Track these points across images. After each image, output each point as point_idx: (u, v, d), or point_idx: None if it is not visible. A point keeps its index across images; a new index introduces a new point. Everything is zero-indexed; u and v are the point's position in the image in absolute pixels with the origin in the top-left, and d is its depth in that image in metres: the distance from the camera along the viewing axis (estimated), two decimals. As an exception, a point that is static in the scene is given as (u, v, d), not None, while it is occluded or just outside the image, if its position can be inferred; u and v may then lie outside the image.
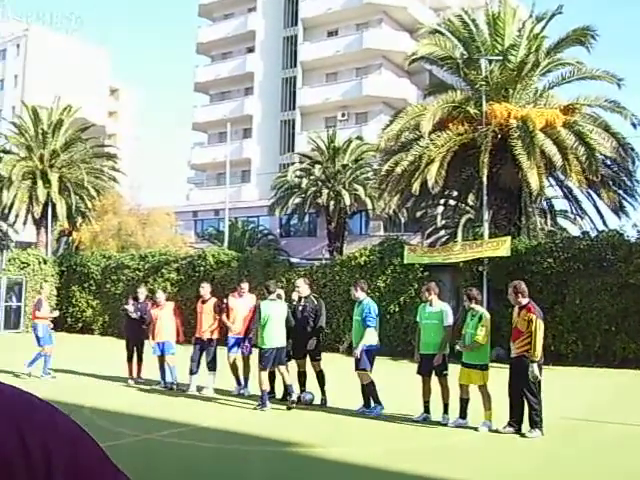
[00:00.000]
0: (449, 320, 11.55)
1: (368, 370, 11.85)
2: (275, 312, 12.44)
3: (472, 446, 9.75)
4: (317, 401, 12.64)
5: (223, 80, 60.47)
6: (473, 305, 11.22)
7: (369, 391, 11.85)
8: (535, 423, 10.09)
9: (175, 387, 14.48)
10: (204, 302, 14.76)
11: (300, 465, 8.73)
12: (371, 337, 11.96)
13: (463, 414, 10.85)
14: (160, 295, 15.65)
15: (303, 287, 13.19)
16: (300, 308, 12.87)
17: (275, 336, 12.31)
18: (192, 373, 14.19)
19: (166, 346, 14.73)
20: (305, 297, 13.04)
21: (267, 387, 12.50)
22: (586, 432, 10.79)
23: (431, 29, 26.91)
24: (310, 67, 56.19)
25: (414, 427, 10.80)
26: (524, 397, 10.18)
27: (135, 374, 15.77)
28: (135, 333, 15.98)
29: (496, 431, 10.36)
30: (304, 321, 12.76)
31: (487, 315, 11.09)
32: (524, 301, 10.57)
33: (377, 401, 11.77)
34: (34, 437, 0.93)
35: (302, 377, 13.03)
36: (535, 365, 10.04)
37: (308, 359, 12.97)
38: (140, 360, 15.89)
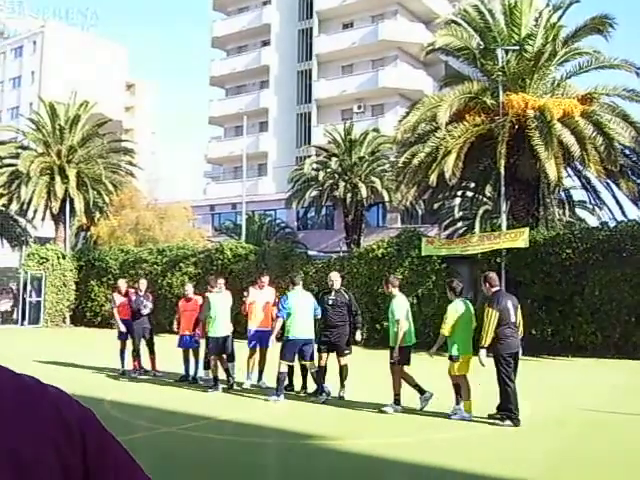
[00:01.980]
0: (397, 314, 11.57)
1: (286, 360, 12.28)
2: (303, 303, 12.56)
3: (481, 439, 9.71)
4: (334, 394, 12.62)
5: (239, 74, 60.52)
6: (452, 297, 11.43)
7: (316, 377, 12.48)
8: (509, 411, 10.24)
9: (196, 381, 14.54)
10: (188, 300, 15.22)
11: (317, 457, 8.74)
12: (291, 329, 12.34)
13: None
14: (189, 288, 15.65)
15: (337, 280, 13.10)
16: (330, 302, 12.78)
17: (305, 328, 12.46)
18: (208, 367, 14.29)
19: (191, 339, 14.75)
20: (336, 290, 12.97)
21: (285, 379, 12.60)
22: (604, 425, 10.71)
23: (447, 19, 26.75)
24: (326, 59, 56.12)
25: (430, 419, 10.78)
26: (501, 387, 10.40)
27: (150, 367, 15.80)
28: (143, 327, 15.91)
29: (470, 420, 10.54)
30: (337, 314, 12.70)
31: (452, 307, 11.18)
32: (493, 289, 10.86)
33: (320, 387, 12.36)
34: (73, 420, 1.03)
35: (323, 371, 13.03)
36: (483, 351, 10.33)
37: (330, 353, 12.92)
38: (153, 353, 15.92)
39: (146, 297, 16.11)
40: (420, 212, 39.31)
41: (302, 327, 12.41)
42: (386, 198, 39.50)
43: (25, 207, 36.90)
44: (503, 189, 22.92)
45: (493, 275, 11.14)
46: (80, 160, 37.47)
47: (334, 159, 41.17)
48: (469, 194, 30.64)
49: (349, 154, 41.10)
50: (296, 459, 8.73)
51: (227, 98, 62.51)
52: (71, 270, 32.68)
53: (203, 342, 14.22)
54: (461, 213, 37.97)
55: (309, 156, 46.73)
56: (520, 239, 21.59)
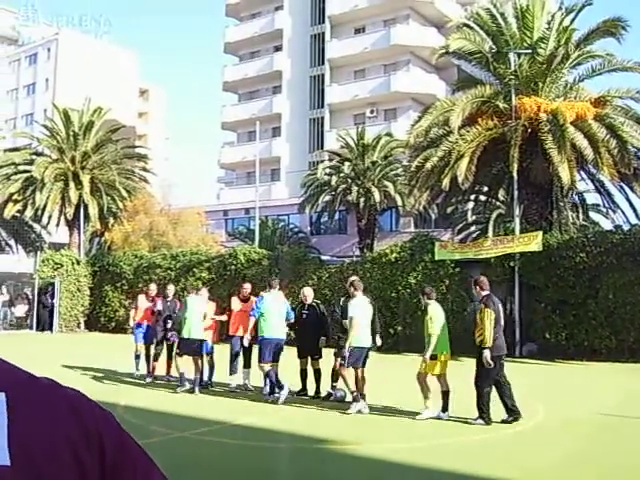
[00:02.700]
0: (350, 314, 11.80)
1: (265, 362, 12.75)
2: (276, 305, 13.15)
3: (494, 443, 9.69)
4: (349, 398, 12.62)
5: (251, 79, 60.66)
6: (427, 301, 11.70)
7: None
8: (481, 411, 10.46)
9: (211, 386, 14.56)
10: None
11: (330, 462, 8.75)
12: (265, 329, 12.91)
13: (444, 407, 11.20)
14: (203, 293, 15.67)
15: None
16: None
17: (277, 328, 13.01)
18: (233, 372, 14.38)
19: (204, 345, 14.74)
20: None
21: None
22: (618, 428, 10.66)
23: (459, 23, 26.74)
24: (338, 64, 56.17)
25: (442, 424, 10.76)
26: (475, 386, 10.66)
27: (165, 372, 15.82)
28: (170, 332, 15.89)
29: (439, 419, 10.57)
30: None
31: (432, 308, 11.51)
32: (483, 293, 11.04)
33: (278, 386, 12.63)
34: (90, 421, 1.03)
35: (336, 374, 13.04)
36: (487, 351, 10.45)
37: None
38: (171, 358, 15.92)
39: (174, 303, 16.15)
40: (433, 216, 39.31)
41: (274, 327, 12.95)
42: (399, 202, 39.48)
43: (40, 213, 37.06)
44: (516, 193, 22.90)
45: (484, 279, 11.45)
46: (94, 166, 37.64)
47: (347, 164, 41.20)
48: (482, 198, 30.59)
49: (362, 159, 41.12)
50: (309, 464, 8.74)
51: (240, 103, 62.65)
52: (85, 275, 32.82)
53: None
54: (474, 217, 37.88)
55: (322, 161, 46.76)
56: (533, 243, 21.55)
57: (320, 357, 13.26)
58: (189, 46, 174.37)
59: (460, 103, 23.55)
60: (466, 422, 10.62)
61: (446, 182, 23.15)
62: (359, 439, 9.77)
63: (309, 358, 13.50)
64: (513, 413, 10.60)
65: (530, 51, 23.81)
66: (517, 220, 22.95)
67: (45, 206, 36.17)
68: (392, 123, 51.16)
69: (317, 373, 13.34)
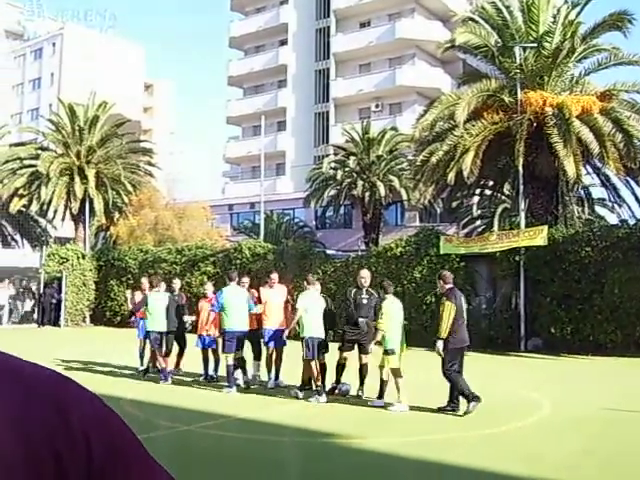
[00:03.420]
0: (298, 305, 12.59)
1: (228, 352, 13.19)
2: (237, 298, 13.51)
3: (501, 437, 9.69)
4: (353, 392, 12.64)
5: (256, 73, 60.62)
6: (384, 295, 12.18)
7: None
8: (467, 397, 10.69)
9: (216, 380, 14.56)
10: (208, 300, 15.30)
11: (336, 456, 8.75)
12: (227, 322, 13.32)
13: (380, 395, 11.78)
14: (208, 287, 15.69)
15: (368, 277, 13.16)
16: (365, 301, 12.81)
17: (239, 320, 13.38)
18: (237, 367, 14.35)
19: (210, 339, 14.75)
20: (367, 288, 12.99)
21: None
22: (624, 423, 10.65)
23: (464, 17, 26.67)
24: (343, 58, 56.08)
25: (448, 418, 10.77)
26: (447, 378, 11.02)
27: (174, 367, 15.82)
28: (179, 327, 15.87)
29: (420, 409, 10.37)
30: (367, 312, 12.73)
31: (386, 303, 11.91)
32: (447, 287, 11.38)
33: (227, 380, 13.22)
34: (75, 420, 0.94)
35: (341, 368, 13.05)
36: (440, 342, 10.85)
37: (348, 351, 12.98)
38: (182, 353, 15.93)
39: (180, 297, 16.11)
40: (438, 210, 39.28)
41: (237, 320, 13.27)
42: (404, 197, 39.43)
43: (45, 208, 37.13)
44: (522, 187, 22.86)
45: (447, 273, 11.84)
46: (99, 160, 37.68)
47: (352, 158, 41.18)
48: (487, 192, 30.55)
49: (367, 153, 41.10)
50: (314, 458, 8.75)
51: (245, 98, 62.63)
52: (91, 270, 32.88)
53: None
54: (479, 211, 37.85)
55: (327, 155, 46.76)
56: (539, 237, 21.52)
57: (327, 351, 13.25)
58: (194, 40, 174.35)
59: (465, 97, 23.51)
60: (465, 414, 10.65)
61: (451, 176, 23.13)
62: (364, 433, 9.78)
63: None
64: (453, 405, 10.97)
65: (536, 45, 23.75)
66: (522, 214, 22.91)
67: (50, 201, 36.22)
68: (397, 117, 51.12)
69: (322, 367, 13.34)
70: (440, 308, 11.11)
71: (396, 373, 11.46)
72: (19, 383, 0.94)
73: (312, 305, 12.59)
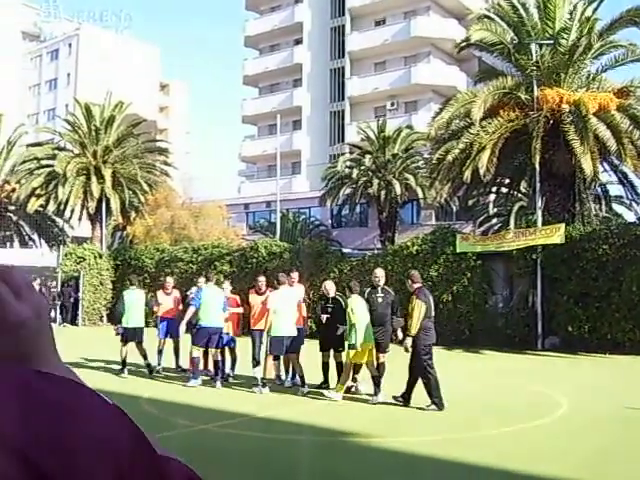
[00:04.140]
0: (269, 305, 13.20)
1: (198, 345, 14.05)
2: (214, 297, 14.21)
3: (517, 437, 9.65)
4: (370, 390, 12.61)
5: (272, 72, 60.66)
6: (349, 294, 12.60)
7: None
8: (431, 396, 11.06)
9: (232, 378, 14.57)
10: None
11: (357, 455, 8.75)
12: (202, 317, 14.01)
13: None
14: (226, 286, 15.68)
15: (382, 276, 13.22)
16: (380, 300, 12.82)
17: (214, 317, 14.03)
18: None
19: (228, 338, 14.76)
20: (382, 287, 13.01)
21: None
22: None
23: (480, 15, 26.56)
24: (358, 57, 56.05)
25: (465, 417, 10.74)
26: (417, 374, 11.35)
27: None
28: None
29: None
30: (383, 311, 12.75)
31: (352, 300, 12.36)
32: (415, 286, 11.79)
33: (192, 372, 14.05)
34: (44, 425, 0.81)
35: (357, 367, 13.04)
36: (409, 339, 11.30)
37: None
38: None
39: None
40: (454, 209, 39.18)
41: (212, 317, 13.96)
42: (420, 195, 39.37)
43: (62, 207, 37.32)
44: (538, 185, 22.76)
45: (416, 273, 12.35)
46: (115, 160, 37.82)
47: (368, 156, 41.15)
48: (504, 190, 30.45)
49: (383, 151, 41.04)
50: (334, 457, 8.75)
51: (260, 97, 62.71)
52: (107, 269, 33.00)
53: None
54: (496, 209, 37.72)
55: (343, 154, 46.76)
56: (556, 235, 21.42)
57: (343, 350, 13.26)
58: (209, 40, 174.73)
59: (481, 95, 23.42)
60: (421, 409, 11.01)
61: (467, 174, 23.06)
62: (383, 432, 9.77)
63: (332, 351, 13.50)
64: (405, 398, 11.40)
65: (552, 42, 23.62)
66: (539, 212, 22.80)
67: (67, 200, 36.38)
68: (413, 115, 51.03)
69: (340, 366, 13.33)
70: (410, 306, 11.47)
71: (348, 367, 12.20)
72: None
73: (282, 304, 13.10)
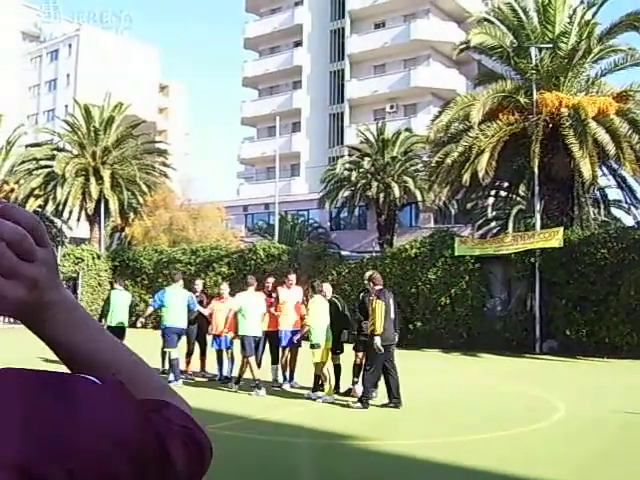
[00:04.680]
0: (236, 307, 13.53)
1: (170, 346, 14.28)
2: (178, 297, 14.59)
3: (513, 440, 9.64)
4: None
5: (271, 74, 60.67)
6: (312, 294, 13.11)
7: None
8: (364, 394, 11.59)
9: (231, 381, 14.54)
10: (222, 300, 15.40)
11: (355, 457, 8.74)
12: (166, 318, 14.45)
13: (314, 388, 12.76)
14: (224, 288, 15.61)
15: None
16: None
17: (178, 317, 14.42)
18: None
19: (225, 340, 14.72)
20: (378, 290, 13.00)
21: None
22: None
23: (480, 18, 26.60)
24: (358, 59, 56.08)
25: (464, 420, 10.74)
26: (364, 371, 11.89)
27: (199, 368, 15.83)
28: (202, 328, 15.84)
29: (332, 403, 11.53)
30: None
31: (312, 301, 12.91)
32: (377, 288, 12.10)
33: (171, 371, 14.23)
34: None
35: (358, 369, 13.06)
36: (377, 338, 11.49)
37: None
38: (204, 354, 15.94)
39: (202, 297, 16.12)
40: (453, 212, 39.20)
41: (175, 317, 14.37)
42: (419, 198, 39.35)
43: (61, 208, 37.34)
44: (537, 188, 22.78)
45: (377, 275, 12.59)
46: (114, 161, 37.85)
47: (367, 159, 41.13)
48: (502, 193, 30.46)
49: (382, 154, 41.04)
50: (332, 459, 8.73)
51: (260, 99, 62.69)
52: (106, 270, 33.00)
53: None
54: (494, 213, 37.74)
55: (342, 156, 46.74)
56: (554, 239, 21.44)
57: (341, 352, 13.27)
58: (209, 42, 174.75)
59: (481, 98, 23.45)
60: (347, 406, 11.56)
61: (466, 177, 23.07)
62: (381, 435, 9.77)
63: (330, 353, 13.49)
64: (395, 399, 11.55)
65: (551, 45, 23.65)
66: (538, 216, 22.83)
67: (66, 201, 36.42)
68: (412, 118, 51.05)
69: (337, 368, 13.34)
70: (371, 307, 11.81)
71: (319, 366, 12.44)
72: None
73: (248, 306, 13.37)
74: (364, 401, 11.54)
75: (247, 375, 13.65)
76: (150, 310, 15.97)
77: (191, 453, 0.97)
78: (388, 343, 11.69)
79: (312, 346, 12.49)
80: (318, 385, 12.64)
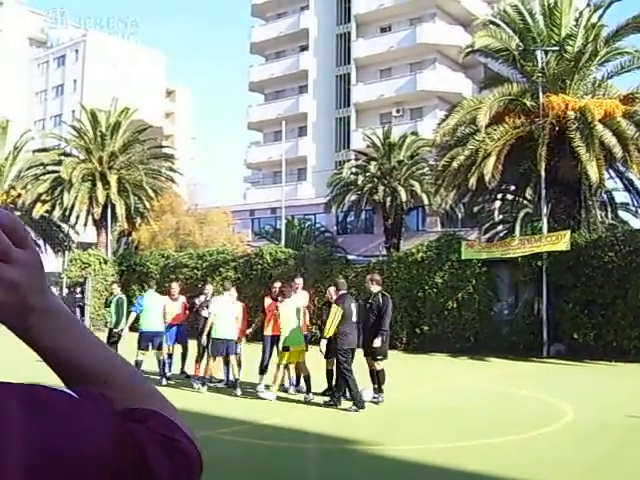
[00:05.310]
0: (210, 310, 14.28)
1: (141, 349, 15.33)
2: (154, 303, 15.63)
3: (520, 445, 9.59)
4: (368, 397, 12.56)
5: (277, 79, 60.76)
6: (281, 298, 13.54)
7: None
8: (354, 398, 11.81)
9: (237, 386, 14.49)
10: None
11: (358, 462, 8.69)
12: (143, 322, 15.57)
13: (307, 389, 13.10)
14: (232, 292, 15.54)
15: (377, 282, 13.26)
16: (368, 305, 12.82)
17: (154, 322, 15.35)
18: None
19: (230, 345, 14.65)
20: (374, 294, 12.94)
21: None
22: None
23: (486, 21, 26.57)
24: (364, 64, 56.12)
25: (470, 425, 10.69)
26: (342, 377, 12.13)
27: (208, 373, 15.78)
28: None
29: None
30: (367, 318, 12.75)
31: (282, 305, 13.34)
32: (340, 292, 12.64)
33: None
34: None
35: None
36: (323, 341, 12.28)
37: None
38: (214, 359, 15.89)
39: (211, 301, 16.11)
40: (460, 215, 39.12)
41: (152, 321, 15.33)
42: (426, 202, 39.33)
43: (68, 213, 37.37)
44: (544, 192, 22.70)
45: (341, 281, 13.25)
46: (121, 166, 37.87)
47: (373, 163, 41.11)
48: (509, 197, 30.38)
49: (388, 158, 41.00)
50: (335, 465, 8.69)
51: (266, 103, 62.74)
52: (113, 275, 32.99)
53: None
54: (501, 216, 37.65)
55: (348, 160, 46.73)
56: (561, 242, 21.36)
57: (382, 358, 13.08)
58: (215, 46, 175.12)
59: (487, 101, 23.40)
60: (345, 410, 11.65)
61: (473, 181, 23.01)
62: (384, 439, 9.72)
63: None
64: (336, 400, 12.11)
65: (558, 48, 23.58)
66: (545, 219, 22.76)
67: (73, 206, 36.45)
68: (418, 122, 51.05)
69: (380, 374, 13.13)
70: (329, 311, 12.35)
71: (281, 369, 13.11)
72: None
73: (222, 310, 13.99)
74: (335, 399, 12.10)
75: (246, 379, 13.64)
76: (133, 315, 16.55)
77: (177, 464, 0.96)
78: (350, 347, 12.07)
79: (283, 349, 12.95)
80: (310, 385, 12.92)
